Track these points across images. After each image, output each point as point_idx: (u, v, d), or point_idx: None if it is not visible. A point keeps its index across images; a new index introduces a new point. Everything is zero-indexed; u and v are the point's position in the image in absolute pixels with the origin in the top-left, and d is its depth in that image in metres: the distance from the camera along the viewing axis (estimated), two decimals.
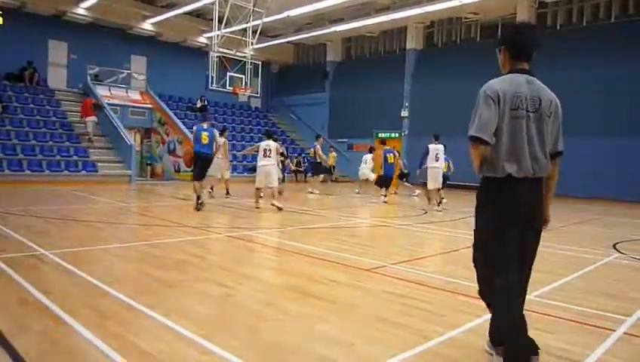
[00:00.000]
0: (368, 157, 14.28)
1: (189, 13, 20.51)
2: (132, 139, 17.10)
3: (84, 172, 15.27)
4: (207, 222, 8.17)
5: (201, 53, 21.54)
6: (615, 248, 6.60)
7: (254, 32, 18.26)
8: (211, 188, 12.15)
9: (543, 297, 3.99)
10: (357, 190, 14.90)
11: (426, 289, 4.08)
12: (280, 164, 11.45)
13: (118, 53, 20.43)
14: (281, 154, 10.20)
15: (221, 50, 17.98)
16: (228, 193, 12.16)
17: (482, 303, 2.73)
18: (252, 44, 18.41)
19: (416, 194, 13.97)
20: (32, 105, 17.01)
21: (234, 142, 22.06)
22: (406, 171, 14.94)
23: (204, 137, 9.32)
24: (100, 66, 19.35)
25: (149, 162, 19.40)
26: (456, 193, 14.70)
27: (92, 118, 16.60)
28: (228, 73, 18.66)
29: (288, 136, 24.43)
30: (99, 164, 15.78)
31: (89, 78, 18.81)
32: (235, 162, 20.72)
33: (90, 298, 3.53)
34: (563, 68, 16.41)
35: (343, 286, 4.16)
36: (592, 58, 15.91)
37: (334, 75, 24.67)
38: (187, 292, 3.83)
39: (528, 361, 2.32)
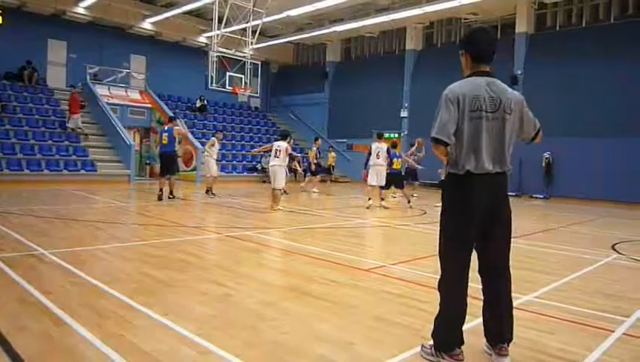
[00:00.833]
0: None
1: (189, 12, 20.49)
2: (131, 138, 17.09)
3: (83, 171, 15.26)
4: (206, 221, 8.17)
5: (201, 52, 21.52)
6: (614, 249, 6.61)
7: (254, 31, 18.26)
8: (209, 190, 12.16)
9: (542, 298, 4.00)
10: (414, 194, 13.63)
11: (425, 290, 4.09)
12: (291, 164, 11.45)
13: (118, 53, 20.41)
14: (290, 155, 10.08)
15: (221, 49, 17.98)
16: (209, 191, 12.16)
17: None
18: (252, 43, 18.41)
19: (396, 196, 13.63)
20: (31, 105, 16.99)
21: (233, 141, 22.07)
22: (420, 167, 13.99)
23: (164, 138, 10.42)
24: (99, 66, 19.35)
25: (148, 162, 19.37)
26: None
27: (78, 116, 16.60)
28: (227, 73, 18.65)
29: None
30: (98, 164, 15.77)
31: (88, 78, 18.80)
32: (235, 162, 20.75)
33: (89, 297, 3.53)
34: (562, 68, 16.44)
35: (343, 286, 4.16)
36: (592, 59, 15.92)
37: (334, 75, 24.66)
38: (186, 292, 3.83)
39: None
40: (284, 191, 13.22)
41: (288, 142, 10.18)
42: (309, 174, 15.48)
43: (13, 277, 3.92)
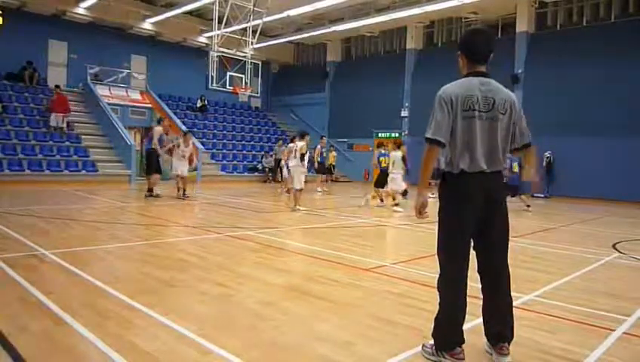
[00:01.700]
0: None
1: (189, 12, 20.51)
2: (132, 138, 17.09)
3: (84, 171, 15.27)
4: (207, 221, 8.17)
5: (201, 52, 21.53)
6: (615, 248, 6.60)
7: (254, 31, 18.26)
8: (179, 189, 11.33)
9: (544, 297, 4.00)
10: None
11: (425, 289, 4.08)
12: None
13: (118, 53, 20.42)
14: (302, 155, 10.02)
15: (221, 49, 17.98)
16: (183, 192, 11.29)
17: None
18: (252, 43, 18.41)
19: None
20: (32, 105, 17.00)
21: (234, 141, 22.08)
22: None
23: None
24: (99, 66, 19.36)
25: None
26: None
27: (62, 115, 16.41)
28: (228, 73, 18.67)
29: (288, 136, 24.41)
30: (99, 164, 15.78)
31: (89, 78, 18.81)
32: (235, 161, 20.75)
33: (90, 298, 3.53)
34: (563, 68, 16.42)
35: (343, 286, 4.16)
36: (593, 58, 15.89)
37: (334, 75, 24.65)
38: (187, 291, 3.83)
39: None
40: (289, 191, 13.19)
41: (306, 142, 10.16)
42: (312, 172, 15.38)
43: (14, 277, 3.93)
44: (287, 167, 11.49)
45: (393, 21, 19.37)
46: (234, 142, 22.07)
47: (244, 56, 18.63)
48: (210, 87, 18.30)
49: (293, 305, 3.55)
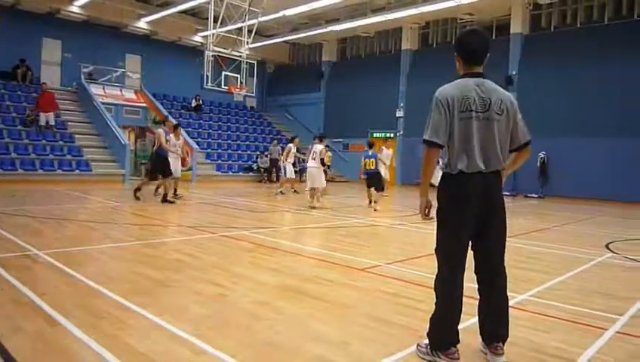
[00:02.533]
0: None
1: (184, 12, 20.44)
2: (126, 138, 17.01)
3: (77, 171, 15.17)
4: (201, 221, 8.14)
5: (197, 52, 21.46)
6: (608, 248, 6.65)
7: (250, 31, 18.23)
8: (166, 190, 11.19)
9: (537, 296, 4.02)
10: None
11: (420, 289, 4.09)
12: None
13: (113, 52, 20.32)
14: (321, 160, 10.36)
15: (216, 49, 17.94)
16: (174, 191, 11.17)
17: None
18: (247, 43, 18.38)
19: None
20: (24, 104, 16.86)
21: (229, 141, 22.03)
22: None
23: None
24: (94, 65, 19.24)
25: (143, 161, 19.30)
26: None
27: (51, 114, 16.16)
28: (223, 72, 18.62)
29: (283, 136, 24.40)
30: (92, 164, 15.68)
31: (83, 77, 18.70)
32: (230, 161, 20.70)
33: (84, 298, 3.51)
34: (557, 69, 16.52)
35: (338, 286, 4.16)
36: (586, 59, 16.01)
37: (330, 75, 24.66)
38: (181, 292, 3.81)
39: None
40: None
41: (325, 145, 10.67)
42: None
43: (6, 278, 3.89)
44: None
45: (389, 22, 19.40)
46: (229, 141, 22.02)
47: (240, 56, 18.59)
48: (205, 86, 18.23)
49: (289, 305, 3.55)
